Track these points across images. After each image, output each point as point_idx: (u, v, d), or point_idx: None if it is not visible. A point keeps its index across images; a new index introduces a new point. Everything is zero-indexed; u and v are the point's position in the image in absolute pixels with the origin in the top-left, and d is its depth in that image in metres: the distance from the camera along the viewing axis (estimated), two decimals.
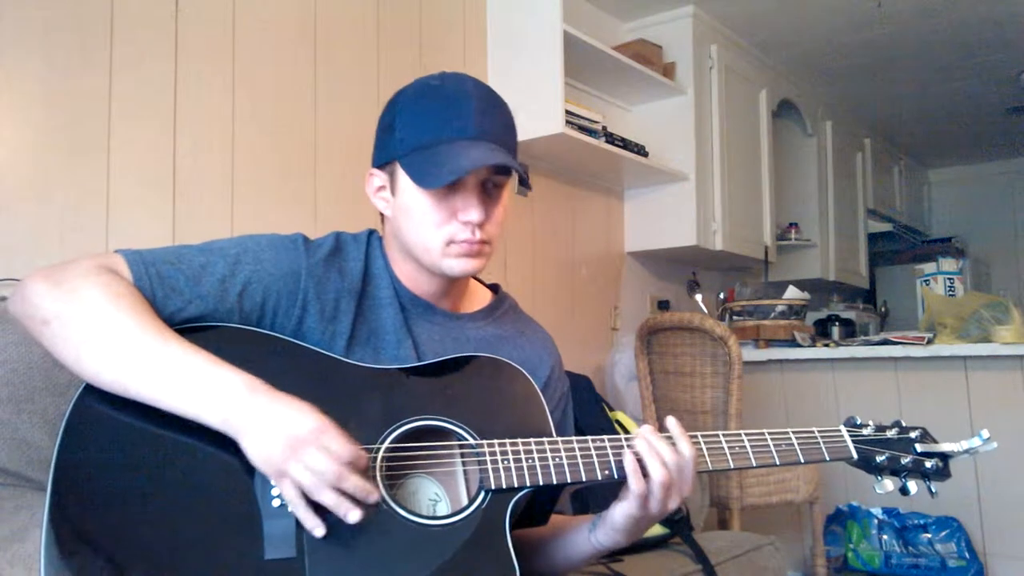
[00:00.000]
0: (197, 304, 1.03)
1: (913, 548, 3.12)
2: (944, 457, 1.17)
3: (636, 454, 1.04)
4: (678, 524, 2.00)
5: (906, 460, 1.15)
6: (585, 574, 1.71)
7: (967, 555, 3.01)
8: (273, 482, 0.93)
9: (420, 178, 1.07)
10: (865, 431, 1.18)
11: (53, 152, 1.77)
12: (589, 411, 2.34)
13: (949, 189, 6.32)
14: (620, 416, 2.44)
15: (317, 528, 0.92)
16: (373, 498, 0.94)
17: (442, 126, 1.08)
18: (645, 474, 1.03)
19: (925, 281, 3.94)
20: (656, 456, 1.03)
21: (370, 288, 1.16)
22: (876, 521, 3.22)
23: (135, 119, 1.90)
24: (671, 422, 1.08)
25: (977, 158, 6.04)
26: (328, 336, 1.10)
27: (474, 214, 1.08)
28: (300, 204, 2.25)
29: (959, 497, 3.04)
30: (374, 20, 2.50)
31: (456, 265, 1.12)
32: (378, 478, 0.98)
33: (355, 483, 0.92)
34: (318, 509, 0.93)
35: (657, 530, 2.00)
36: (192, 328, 1.02)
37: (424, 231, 1.11)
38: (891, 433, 1.18)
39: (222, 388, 0.93)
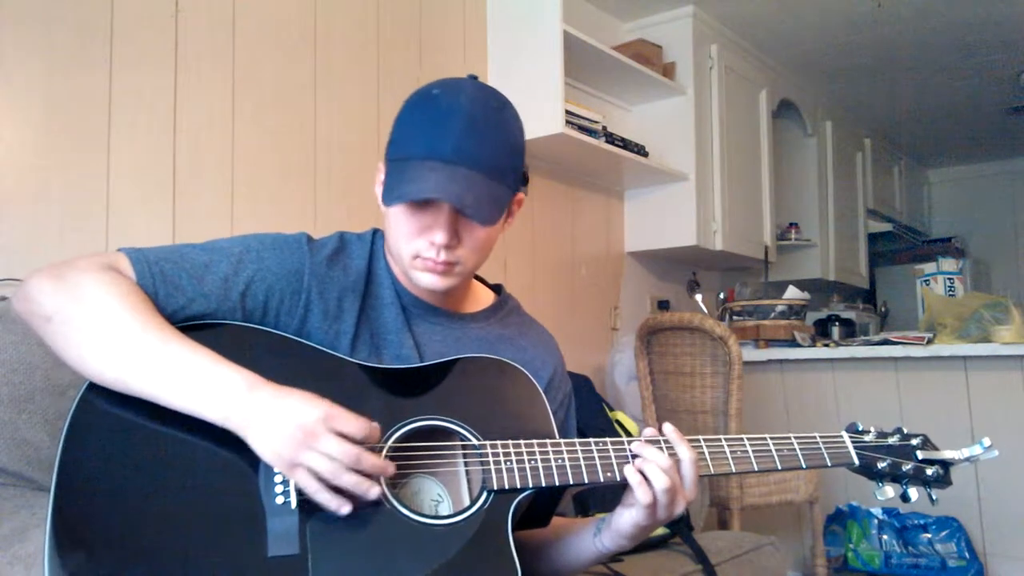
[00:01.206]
0: (200, 303, 1.03)
1: (913, 548, 3.12)
2: (945, 464, 1.17)
3: (637, 466, 1.04)
4: (678, 524, 2.00)
5: (907, 467, 1.16)
6: (584, 574, 1.71)
7: (967, 555, 3.01)
8: (285, 475, 0.93)
9: (384, 192, 1.08)
10: (867, 437, 1.18)
11: (53, 152, 1.77)
12: (589, 411, 2.34)
13: (949, 189, 6.32)
14: (620, 416, 2.44)
15: (343, 507, 0.92)
16: (390, 471, 0.95)
17: (422, 141, 1.06)
18: (648, 482, 1.03)
19: (925, 281, 3.94)
20: (653, 463, 1.03)
21: (373, 287, 1.16)
22: (876, 521, 3.22)
23: (135, 119, 1.90)
24: (668, 428, 1.08)
25: (977, 158, 6.04)
26: (332, 335, 1.11)
27: (438, 236, 1.07)
28: (300, 204, 2.26)
29: (959, 497, 3.05)
30: (374, 20, 2.50)
31: (422, 279, 1.11)
32: (381, 477, 0.98)
33: (372, 461, 0.93)
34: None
35: (657, 530, 2.00)
36: (195, 326, 1.02)
37: (396, 240, 1.11)
38: (893, 440, 1.18)
39: (223, 385, 0.93)
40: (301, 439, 0.90)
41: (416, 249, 1.09)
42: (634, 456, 1.05)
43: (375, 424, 0.95)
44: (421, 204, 1.07)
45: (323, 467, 0.90)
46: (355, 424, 0.92)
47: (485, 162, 1.06)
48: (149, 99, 1.93)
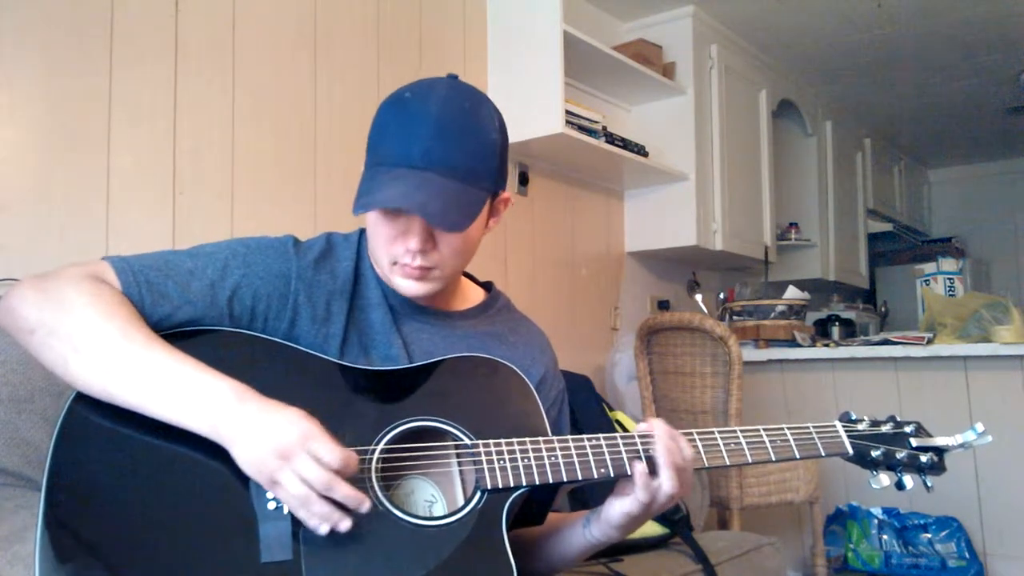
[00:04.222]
0: (186, 309, 1.02)
1: (913, 548, 3.12)
2: (939, 451, 1.18)
3: (650, 457, 1.03)
4: (678, 524, 2.00)
5: (901, 455, 1.16)
6: (585, 574, 1.71)
7: (967, 555, 3.01)
8: (266, 489, 0.93)
9: (355, 199, 1.06)
10: (860, 426, 1.18)
11: (53, 152, 1.77)
12: (589, 411, 2.34)
13: (949, 189, 6.32)
14: (620, 416, 2.44)
15: (323, 526, 0.91)
16: (364, 507, 0.92)
17: (393, 147, 1.06)
18: (653, 473, 1.03)
19: (925, 281, 3.94)
20: (671, 466, 1.02)
21: (360, 288, 1.16)
22: (876, 521, 3.22)
23: (135, 119, 1.90)
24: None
25: (977, 158, 6.04)
26: (321, 338, 1.10)
27: (412, 242, 1.07)
28: (300, 204, 2.26)
29: (959, 497, 3.04)
30: (374, 20, 2.50)
31: (401, 285, 1.11)
32: (373, 479, 0.98)
33: (345, 492, 0.90)
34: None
35: (657, 530, 2.00)
36: (184, 333, 1.01)
37: (375, 246, 1.11)
38: (886, 428, 1.19)
39: (210, 396, 0.92)
40: (279, 457, 0.89)
41: (393, 255, 1.09)
42: (648, 449, 1.04)
43: (352, 454, 0.93)
44: (394, 211, 1.06)
45: (297, 490, 0.89)
46: (331, 452, 0.90)
47: (456, 166, 1.05)
48: (149, 99, 1.93)
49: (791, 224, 4.41)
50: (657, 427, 1.06)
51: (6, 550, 1.14)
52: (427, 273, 1.10)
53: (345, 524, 0.91)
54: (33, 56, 1.74)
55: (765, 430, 1.13)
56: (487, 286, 1.30)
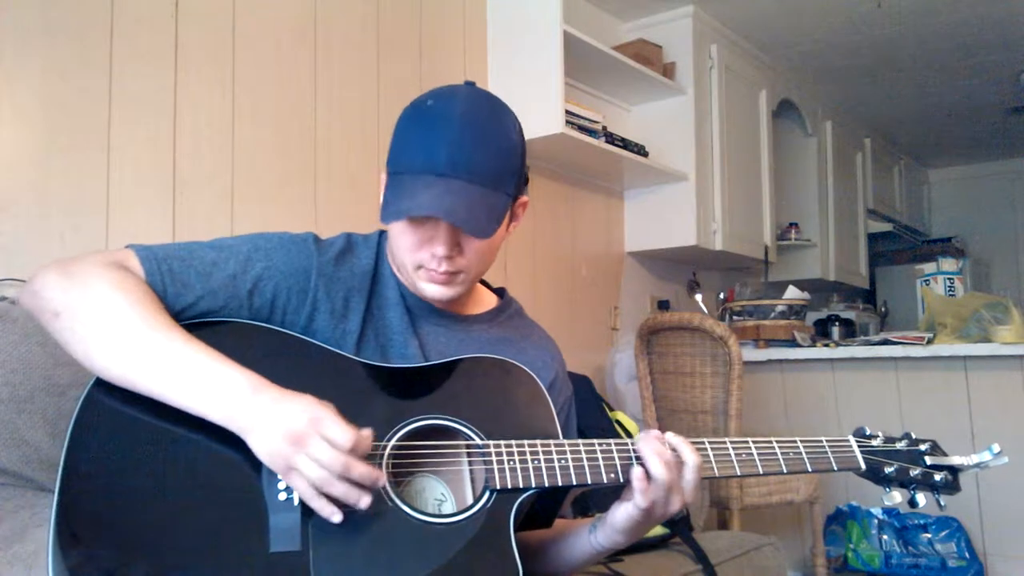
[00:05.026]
0: (207, 300, 1.04)
1: (913, 548, 3.13)
2: (954, 470, 1.16)
3: (640, 458, 1.04)
4: (678, 524, 2.00)
5: (915, 472, 1.15)
6: (585, 573, 1.71)
7: (967, 555, 3.01)
8: (282, 477, 0.94)
9: (382, 209, 1.08)
10: (874, 442, 1.17)
11: (53, 152, 1.77)
12: (589, 411, 2.34)
13: (949, 189, 6.33)
14: (620, 416, 2.44)
15: (335, 515, 0.92)
16: (381, 482, 0.94)
17: (417, 154, 1.07)
18: (649, 477, 1.03)
19: (925, 281, 3.94)
20: (658, 457, 1.03)
21: (378, 288, 1.17)
22: (876, 521, 3.22)
23: (135, 119, 1.90)
24: (670, 436, 1.08)
25: (977, 158, 6.04)
26: (338, 334, 1.11)
27: (438, 248, 1.08)
28: (300, 204, 2.26)
29: (959, 497, 3.02)
30: (374, 20, 2.50)
31: (427, 289, 1.13)
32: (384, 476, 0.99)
33: (361, 471, 0.92)
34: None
35: (657, 530, 2.00)
36: (202, 324, 1.03)
37: (400, 251, 1.13)
38: (900, 445, 1.17)
39: (227, 386, 0.94)
40: (293, 443, 0.90)
41: (419, 261, 1.11)
42: (636, 452, 1.05)
43: (365, 433, 0.94)
44: (420, 218, 1.07)
45: (314, 474, 0.90)
46: (342, 433, 0.91)
47: (480, 172, 1.06)
48: (149, 99, 1.93)
49: (791, 224, 4.41)
50: (647, 432, 1.07)
51: (6, 550, 1.14)
52: (453, 278, 1.12)
53: (365, 501, 0.92)
54: (33, 56, 1.74)
55: (778, 442, 1.12)
56: (500, 292, 1.32)
